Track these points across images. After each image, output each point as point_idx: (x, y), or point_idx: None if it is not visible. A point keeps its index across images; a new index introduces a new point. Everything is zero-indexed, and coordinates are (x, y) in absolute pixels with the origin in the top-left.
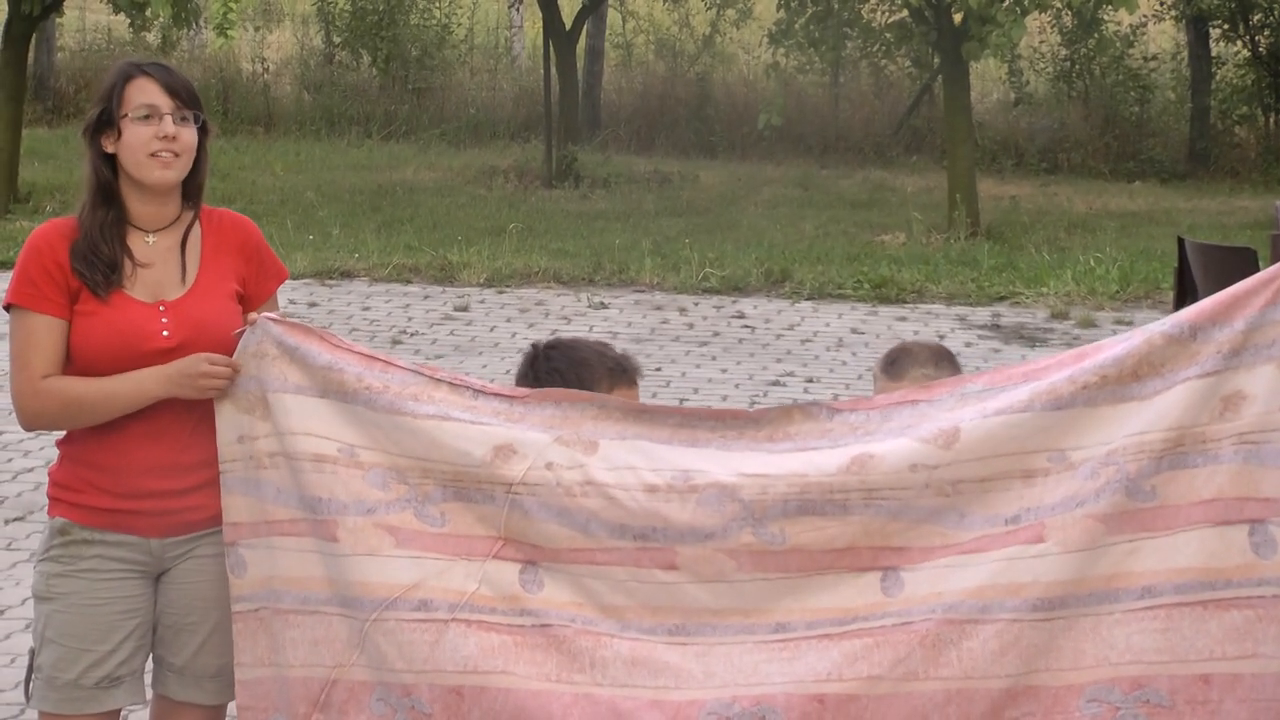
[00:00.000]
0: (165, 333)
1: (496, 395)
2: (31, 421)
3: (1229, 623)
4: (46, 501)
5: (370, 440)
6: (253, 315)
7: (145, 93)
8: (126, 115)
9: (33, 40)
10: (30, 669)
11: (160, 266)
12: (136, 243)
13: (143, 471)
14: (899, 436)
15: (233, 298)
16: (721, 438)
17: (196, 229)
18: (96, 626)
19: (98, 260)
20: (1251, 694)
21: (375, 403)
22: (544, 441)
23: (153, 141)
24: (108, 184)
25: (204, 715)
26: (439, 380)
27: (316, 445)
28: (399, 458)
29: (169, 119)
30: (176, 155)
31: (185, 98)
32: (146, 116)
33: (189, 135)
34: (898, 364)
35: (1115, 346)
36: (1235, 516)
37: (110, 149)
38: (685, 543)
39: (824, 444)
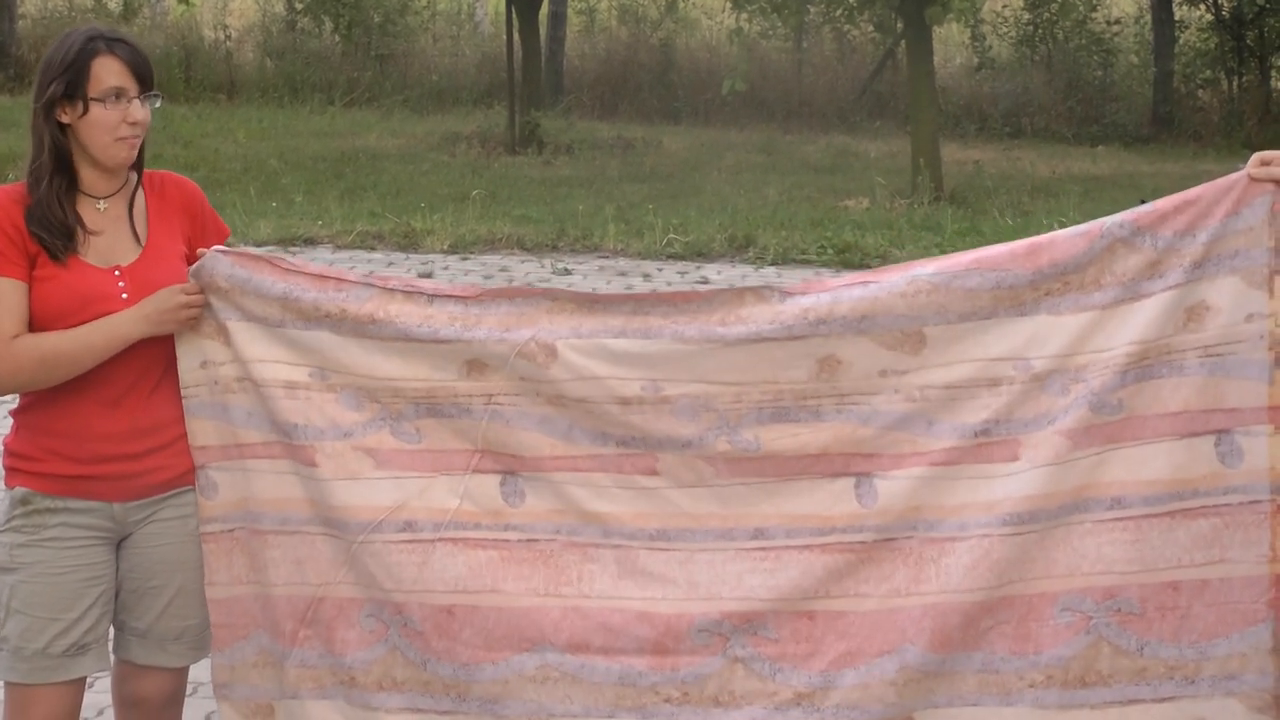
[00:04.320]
0: (124, 295)
1: (450, 297)
2: (5, 384)
3: (1196, 531)
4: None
5: (337, 364)
6: (201, 249)
7: (114, 74)
8: (94, 95)
9: None
10: None
11: (111, 232)
12: (88, 210)
13: (103, 437)
14: (860, 333)
15: (183, 258)
16: (674, 324)
17: (141, 194)
18: (63, 595)
19: (54, 225)
20: (1219, 598)
21: (340, 328)
22: (507, 356)
23: (121, 126)
24: (64, 153)
25: (168, 678)
26: (392, 290)
27: (286, 372)
28: (368, 379)
29: (137, 103)
30: (139, 135)
31: (148, 78)
32: (115, 99)
33: (149, 115)
34: None
35: (1073, 243)
36: (1201, 428)
37: (66, 120)
38: (664, 449)
39: (776, 329)
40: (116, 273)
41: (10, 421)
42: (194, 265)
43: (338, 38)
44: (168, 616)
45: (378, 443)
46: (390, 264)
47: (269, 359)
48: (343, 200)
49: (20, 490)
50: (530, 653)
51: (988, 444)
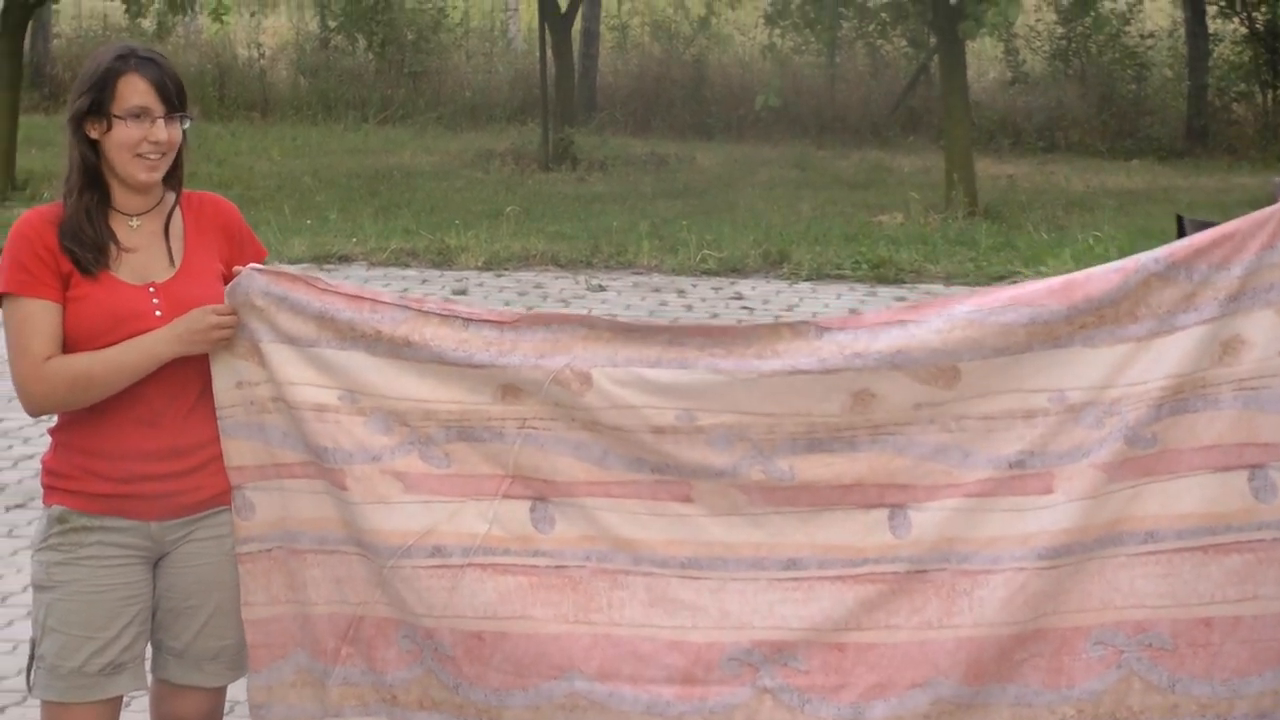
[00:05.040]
0: (158, 312)
1: (486, 322)
2: (39, 405)
3: (1229, 566)
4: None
5: (368, 385)
6: (238, 267)
7: (138, 93)
8: (117, 113)
9: (29, 27)
10: (31, 659)
11: (145, 250)
12: (120, 226)
13: (141, 456)
14: (895, 368)
15: (219, 278)
16: (710, 356)
17: (178, 213)
18: (99, 613)
19: (85, 239)
20: (1251, 635)
21: (374, 349)
22: (542, 383)
23: (142, 144)
24: (94, 169)
25: (205, 697)
26: (428, 313)
27: (316, 394)
28: (399, 401)
29: (160, 123)
30: (162, 155)
31: (176, 97)
32: (137, 117)
33: (176, 134)
34: None
35: (1108, 279)
36: (1235, 462)
37: (95, 135)
38: (699, 477)
39: (812, 363)
40: (151, 289)
41: (48, 440)
42: (230, 283)
43: (371, 55)
44: (205, 636)
45: (407, 466)
46: (424, 281)
47: (300, 381)
48: (377, 217)
49: (57, 509)
50: (560, 680)
51: (1022, 476)
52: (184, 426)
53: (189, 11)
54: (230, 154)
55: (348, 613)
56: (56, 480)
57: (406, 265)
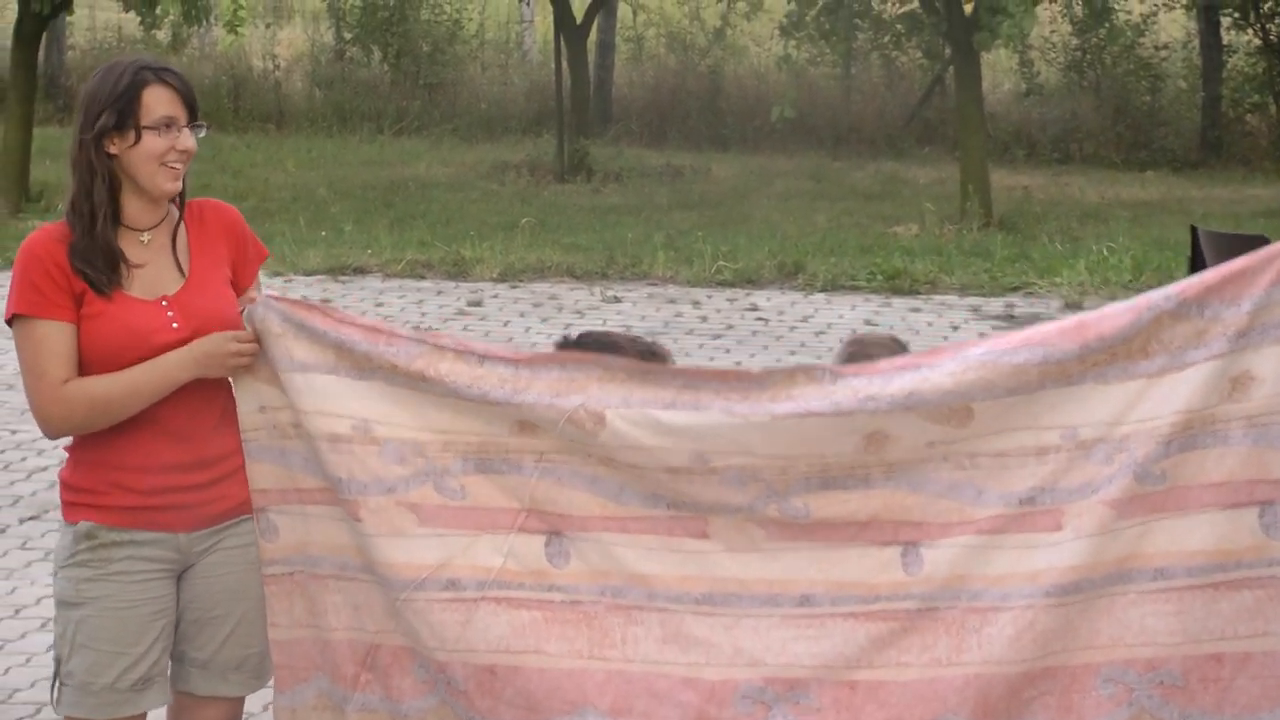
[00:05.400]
0: (175, 324)
1: (500, 359)
2: (58, 429)
3: (1240, 603)
4: (60, 502)
5: (385, 414)
6: (252, 293)
7: (164, 103)
8: (147, 124)
9: (43, 39)
10: (56, 676)
11: (154, 264)
12: (130, 243)
13: (168, 469)
14: (907, 409)
15: (228, 283)
16: (725, 400)
17: (183, 225)
18: (130, 629)
19: (98, 259)
20: (1263, 671)
21: (392, 379)
22: (556, 421)
23: (170, 153)
24: (115, 185)
25: (227, 708)
26: (443, 348)
27: (330, 424)
28: (419, 431)
29: (186, 131)
30: (184, 163)
31: (195, 107)
32: (167, 127)
33: (195, 144)
34: (856, 361)
35: (1120, 318)
36: (1246, 499)
37: (116, 151)
38: (716, 513)
39: (826, 405)
40: (164, 303)
41: (62, 454)
42: (247, 310)
43: (386, 67)
44: (230, 645)
45: (421, 498)
46: (440, 293)
47: (314, 410)
48: (392, 229)
49: (85, 524)
50: (572, 715)
51: (1032, 513)
52: (210, 438)
53: (204, 23)
54: (245, 165)
55: (365, 640)
56: (80, 496)
57: (422, 277)
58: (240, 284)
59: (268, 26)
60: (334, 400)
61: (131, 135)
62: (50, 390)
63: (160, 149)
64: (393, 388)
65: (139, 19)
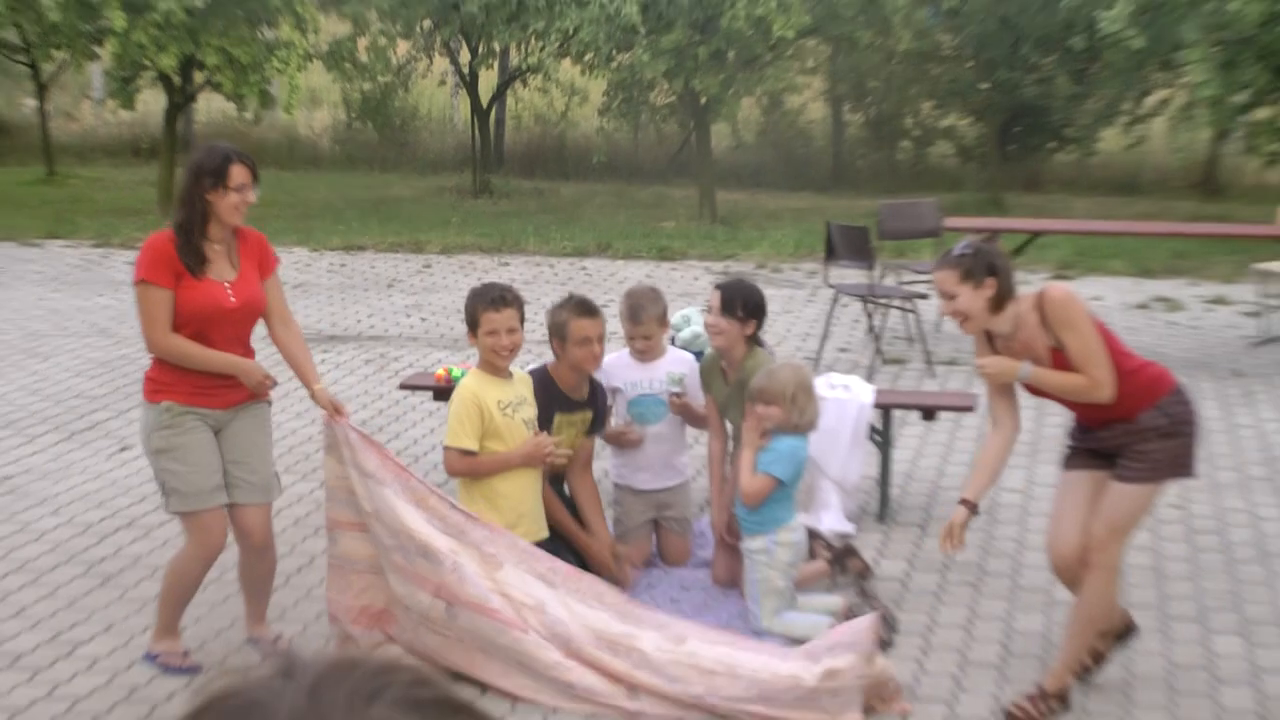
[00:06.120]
0: (232, 297)
1: (465, 517)
2: (158, 355)
3: None
4: (144, 390)
5: (389, 507)
6: (316, 385)
7: (241, 175)
8: (230, 186)
9: (178, 119)
10: (164, 493)
11: (220, 262)
12: (208, 248)
13: (211, 377)
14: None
15: (259, 278)
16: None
17: (234, 240)
18: (206, 456)
19: (194, 256)
20: None
21: (398, 493)
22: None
23: (242, 204)
24: (205, 215)
25: (261, 511)
26: (436, 494)
27: (360, 501)
28: (401, 523)
29: (250, 191)
30: (246, 209)
31: (258, 176)
32: (240, 189)
33: (256, 198)
34: (634, 311)
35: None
36: None
37: (209, 198)
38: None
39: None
40: (226, 285)
41: (151, 358)
42: (328, 422)
43: (375, 132)
44: (252, 471)
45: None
46: (407, 260)
47: (361, 492)
48: (380, 223)
49: (165, 402)
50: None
51: None
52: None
53: (271, 107)
54: (296, 189)
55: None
56: (161, 386)
57: (397, 250)
58: (261, 275)
59: (307, 109)
60: (363, 489)
61: (221, 191)
62: (159, 333)
63: (236, 201)
64: (399, 500)
65: (236, 106)
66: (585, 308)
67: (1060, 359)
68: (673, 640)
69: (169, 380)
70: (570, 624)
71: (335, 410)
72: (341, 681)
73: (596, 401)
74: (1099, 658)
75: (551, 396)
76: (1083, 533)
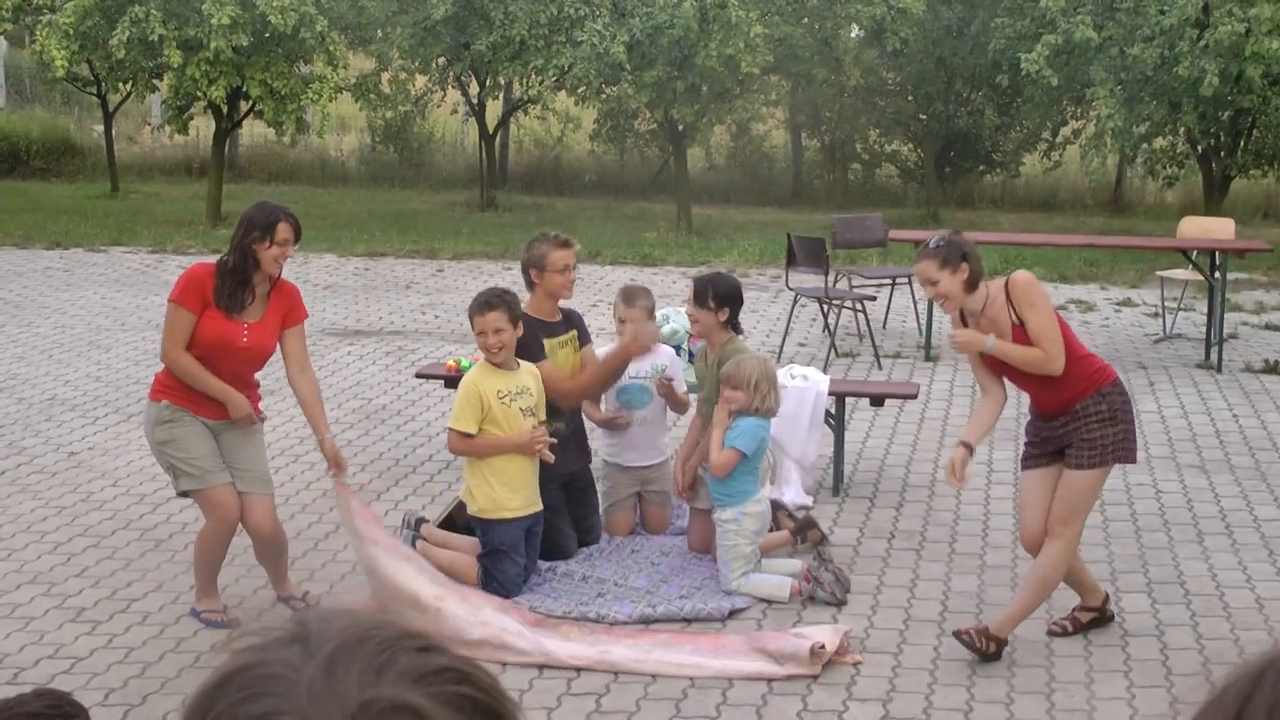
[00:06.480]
0: (245, 338)
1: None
2: (167, 365)
3: None
4: (150, 389)
5: (384, 564)
6: (326, 434)
7: (286, 232)
8: (275, 240)
9: (226, 142)
10: (172, 475)
11: (252, 306)
12: (246, 294)
13: (205, 396)
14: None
15: (278, 328)
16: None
17: (270, 288)
18: (206, 444)
19: (234, 301)
20: None
21: (391, 555)
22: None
23: (282, 257)
24: (249, 263)
25: (266, 500)
26: (415, 559)
27: (367, 546)
28: (390, 586)
29: (290, 247)
30: (285, 262)
31: (300, 234)
32: (283, 244)
33: (294, 252)
34: (629, 296)
35: None
36: None
37: (256, 248)
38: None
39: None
40: (244, 327)
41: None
42: (340, 493)
43: (397, 155)
44: (251, 466)
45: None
46: (423, 265)
47: (365, 538)
48: (400, 232)
49: (165, 403)
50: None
51: None
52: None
53: (306, 132)
54: (327, 204)
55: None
56: (165, 389)
57: (414, 257)
58: (286, 325)
59: (338, 135)
60: (358, 552)
61: (267, 243)
62: (174, 349)
63: (277, 254)
64: (391, 559)
65: (275, 131)
66: (561, 240)
67: (1020, 335)
68: (642, 651)
69: (172, 385)
70: (547, 643)
71: (336, 463)
72: (355, 654)
73: (574, 321)
74: (1079, 623)
75: (537, 327)
76: (1046, 518)
